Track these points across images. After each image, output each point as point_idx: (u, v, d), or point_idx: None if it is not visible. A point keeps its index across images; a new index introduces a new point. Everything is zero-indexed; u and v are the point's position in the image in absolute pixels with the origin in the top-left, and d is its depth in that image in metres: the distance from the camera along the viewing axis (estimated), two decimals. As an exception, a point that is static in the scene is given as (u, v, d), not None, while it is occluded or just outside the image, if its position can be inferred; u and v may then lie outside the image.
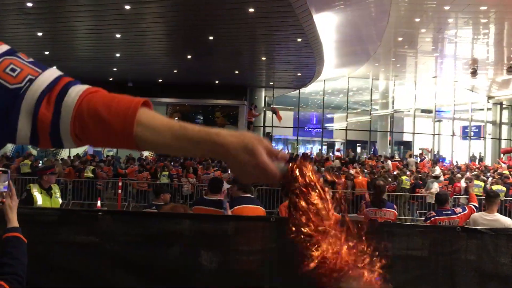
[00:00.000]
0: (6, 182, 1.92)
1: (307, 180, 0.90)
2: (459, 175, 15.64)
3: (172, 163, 16.94)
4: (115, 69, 18.98)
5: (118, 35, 14.34)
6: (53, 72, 0.86)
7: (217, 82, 22.37)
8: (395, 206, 6.03)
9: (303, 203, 0.89)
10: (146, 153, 23.66)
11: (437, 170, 17.66)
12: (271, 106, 24.71)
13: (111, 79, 21.47)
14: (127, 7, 11.26)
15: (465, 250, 2.54)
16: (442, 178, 15.37)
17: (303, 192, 0.89)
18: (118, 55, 16.32)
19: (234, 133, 0.87)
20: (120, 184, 14.11)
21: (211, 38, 14.37)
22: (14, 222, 1.91)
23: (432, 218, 5.44)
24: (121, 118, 0.83)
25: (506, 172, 17.24)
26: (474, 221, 5.33)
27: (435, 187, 14.03)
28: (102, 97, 0.86)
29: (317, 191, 0.90)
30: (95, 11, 12.26)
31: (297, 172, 0.89)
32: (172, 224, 2.93)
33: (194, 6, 11.89)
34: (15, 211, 1.94)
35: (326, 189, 0.92)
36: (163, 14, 12.61)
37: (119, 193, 14.11)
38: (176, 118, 24.83)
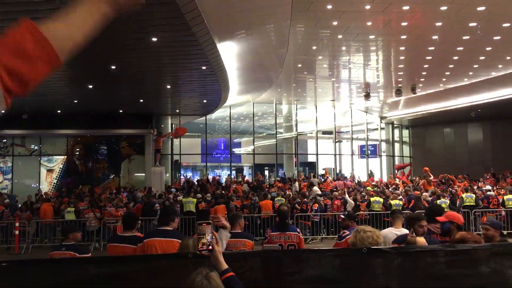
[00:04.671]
0: (211, 233, 2.32)
1: None
2: (336, 193, 16.45)
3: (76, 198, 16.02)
4: (6, 100, 17.62)
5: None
6: None
7: (121, 111, 21.75)
8: (298, 230, 6.33)
9: None
10: (45, 189, 22.13)
11: (316, 190, 17.76)
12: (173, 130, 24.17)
13: (2, 111, 19.92)
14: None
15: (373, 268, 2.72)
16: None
17: None
18: (10, 86, 15.18)
19: None
20: (17, 224, 13.05)
21: (113, 67, 13.99)
22: (225, 264, 2.32)
23: (347, 237, 5.75)
24: (44, 55, 0.98)
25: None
26: (385, 235, 5.78)
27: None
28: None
29: None
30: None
31: None
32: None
33: (93, 35, 11.49)
34: (221, 254, 2.35)
35: None
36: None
37: (16, 234, 13.03)
38: (78, 150, 23.63)
